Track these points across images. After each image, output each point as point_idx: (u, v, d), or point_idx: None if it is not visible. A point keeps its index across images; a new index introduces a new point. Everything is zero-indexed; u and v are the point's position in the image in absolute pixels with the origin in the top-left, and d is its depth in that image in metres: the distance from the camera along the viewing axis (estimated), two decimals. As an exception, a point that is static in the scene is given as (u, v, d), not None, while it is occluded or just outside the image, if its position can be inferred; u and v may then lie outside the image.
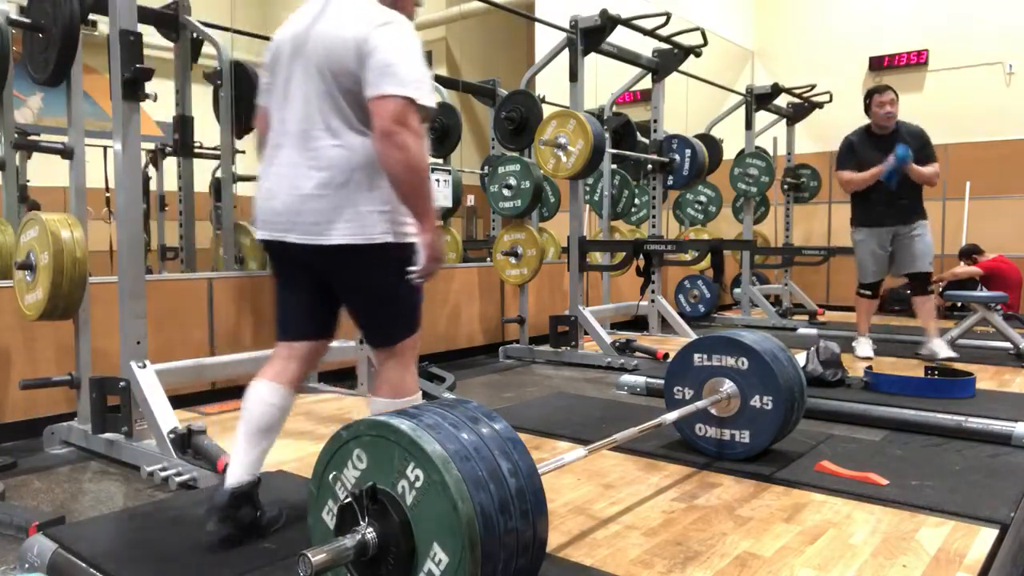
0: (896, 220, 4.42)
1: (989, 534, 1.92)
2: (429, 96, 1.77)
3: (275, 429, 1.94)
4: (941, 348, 4.34)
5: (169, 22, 4.45)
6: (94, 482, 2.68)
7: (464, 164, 6.89)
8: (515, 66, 7.31)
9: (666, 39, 5.31)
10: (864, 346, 4.65)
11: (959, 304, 6.21)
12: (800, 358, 3.56)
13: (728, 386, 2.48)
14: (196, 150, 4.68)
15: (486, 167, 5.68)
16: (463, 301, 5.36)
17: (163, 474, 2.52)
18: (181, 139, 4.48)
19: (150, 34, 3.48)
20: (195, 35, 4.51)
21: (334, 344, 3.78)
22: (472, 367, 5.02)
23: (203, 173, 5.49)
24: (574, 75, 4.83)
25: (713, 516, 2.06)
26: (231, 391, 3.89)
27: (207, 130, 4.80)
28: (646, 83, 5.75)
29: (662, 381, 2.67)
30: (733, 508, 2.12)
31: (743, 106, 6.82)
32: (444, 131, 5.71)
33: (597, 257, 6.06)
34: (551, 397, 3.88)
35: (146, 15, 4.14)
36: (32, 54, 2.92)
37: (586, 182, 5.75)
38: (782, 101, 7.07)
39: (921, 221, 4.41)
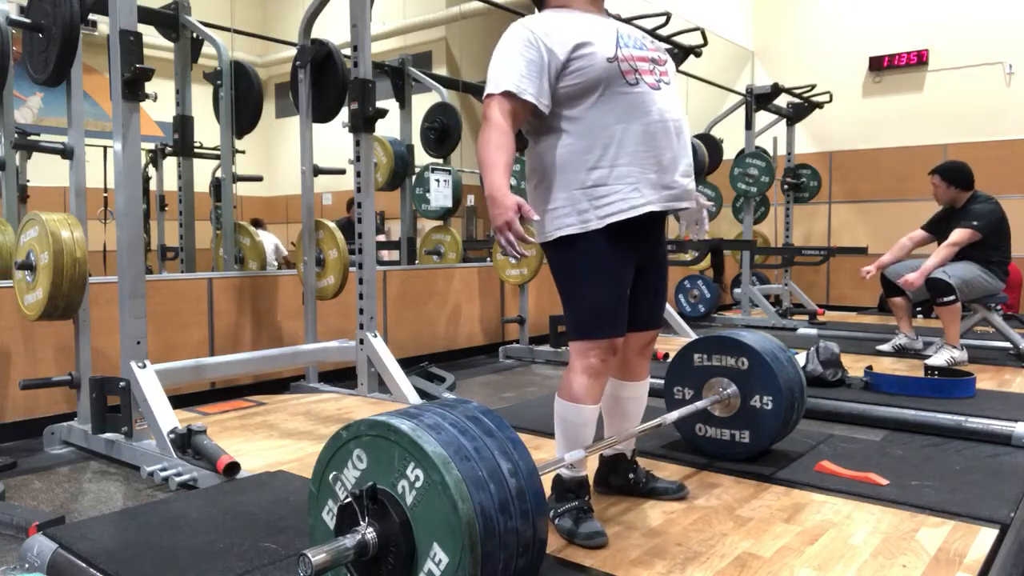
0: None
1: (989, 534, 1.92)
2: (507, 82, 1.87)
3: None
4: (939, 357, 4.22)
5: (169, 22, 4.46)
6: (94, 482, 2.68)
7: (464, 164, 6.89)
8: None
9: (666, 39, 5.31)
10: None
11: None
12: (800, 358, 3.57)
13: (728, 386, 2.48)
14: (196, 150, 4.69)
15: (486, 167, 5.68)
16: (463, 301, 5.36)
17: (163, 474, 2.52)
18: (181, 139, 4.49)
19: (150, 34, 3.48)
20: (195, 35, 4.52)
21: (334, 344, 3.83)
22: (472, 367, 5.02)
23: (203, 173, 5.50)
24: (574, 75, 4.82)
25: (713, 516, 2.06)
26: (231, 391, 3.90)
27: (207, 130, 4.80)
28: (646, 83, 5.74)
29: (662, 381, 2.67)
30: (733, 508, 2.12)
31: (743, 106, 6.82)
32: (444, 131, 5.72)
33: (597, 257, 6.04)
34: (551, 397, 3.86)
35: (146, 15, 4.15)
36: (32, 54, 2.92)
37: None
38: (782, 101, 7.06)
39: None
